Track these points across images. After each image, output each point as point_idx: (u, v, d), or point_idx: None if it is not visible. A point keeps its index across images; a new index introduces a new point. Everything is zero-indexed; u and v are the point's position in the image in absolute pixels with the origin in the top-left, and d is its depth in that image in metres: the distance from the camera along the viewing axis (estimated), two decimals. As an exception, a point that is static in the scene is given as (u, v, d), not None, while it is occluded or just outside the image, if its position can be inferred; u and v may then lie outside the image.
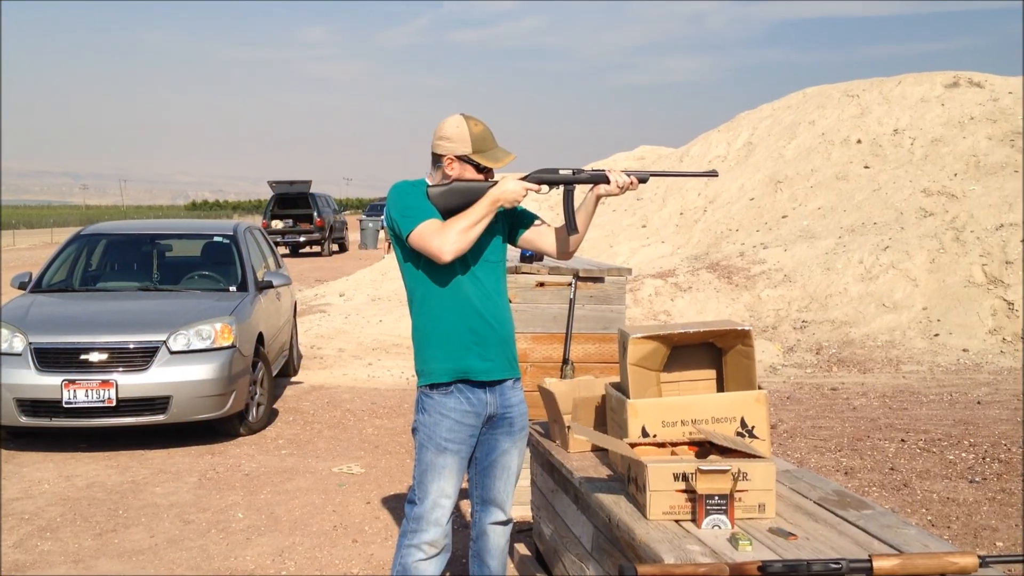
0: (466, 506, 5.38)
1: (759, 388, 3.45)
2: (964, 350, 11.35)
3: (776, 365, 11.12)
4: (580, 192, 3.54)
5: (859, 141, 18.52)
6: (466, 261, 3.43)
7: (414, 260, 3.46)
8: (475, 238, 3.38)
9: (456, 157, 3.47)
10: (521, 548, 4.76)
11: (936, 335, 11.82)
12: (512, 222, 3.65)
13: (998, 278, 12.56)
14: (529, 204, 4.09)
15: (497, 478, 3.66)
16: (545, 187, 3.55)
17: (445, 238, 3.32)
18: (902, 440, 7.50)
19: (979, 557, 2.44)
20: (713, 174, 3.82)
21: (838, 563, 2.43)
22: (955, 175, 16.10)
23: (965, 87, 19.41)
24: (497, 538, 3.72)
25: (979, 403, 8.91)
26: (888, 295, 12.91)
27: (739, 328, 3.48)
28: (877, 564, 2.43)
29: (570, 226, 3.55)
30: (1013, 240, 13.16)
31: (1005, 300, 12.08)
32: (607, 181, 3.50)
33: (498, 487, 3.67)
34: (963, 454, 7.06)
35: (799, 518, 2.98)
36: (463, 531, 5.16)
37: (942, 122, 18.11)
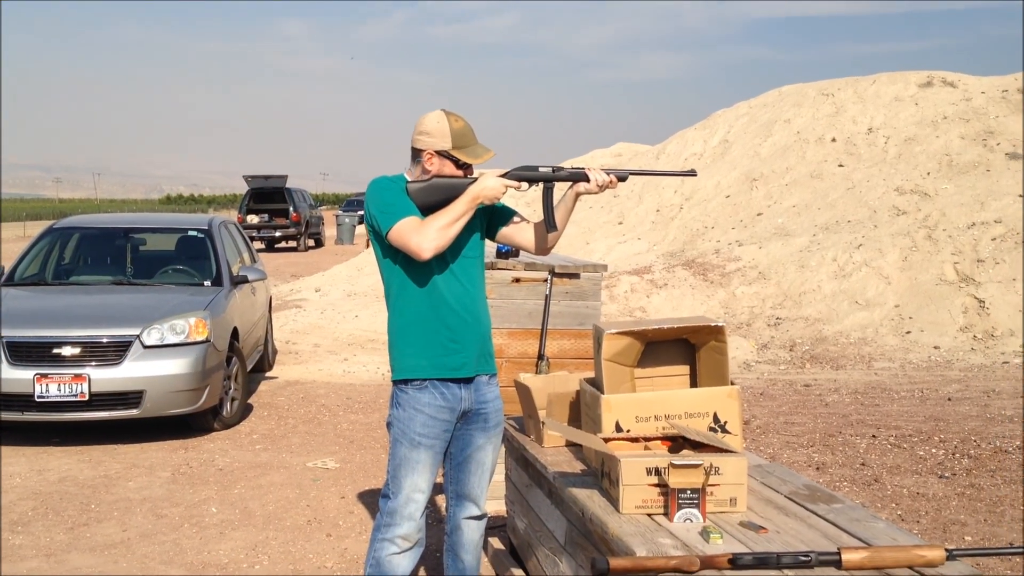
0: (441, 500, 5.40)
1: (732, 384, 3.48)
2: (935, 347, 11.47)
3: (750, 361, 11.19)
4: (559, 189, 3.55)
5: (834, 140, 18.64)
6: (444, 257, 3.44)
7: (392, 256, 3.47)
8: (455, 235, 3.39)
9: (436, 152, 3.47)
10: (495, 542, 4.78)
11: (908, 332, 11.93)
12: (490, 218, 3.66)
13: (969, 276, 12.69)
14: (507, 199, 4.17)
15: (472, 473, 3.67)
16: (525, 184, 3.57)
17: (424, 235, 3.32)
18: (873, 436, 7.57)
19: (946, 550, 2.48)
20: (692, 174, 3.82)
21: (807, 556, 2.47)
22: (928, 174, 16.24)
23: (939, 87, 19.57)
24: (471, 533, 3.73)
25: (950, 400, 9.00)
26: (861, 292, 13.02)
27: (712, 324, 3.50)
28: (846, 557, 2.47)
29: (549, 223, 3.57)
30: (984, 239, 13.30)
31: (976, 298, 12.21)
32: (586, 179, 3.52)
33: (472, 482, 3.68)
34: (933, 450, 7.14)
35: (770, 512, 3.01)
36: (438, 525, 5.17)
37: (915, 121, 18.26)
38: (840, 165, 17.67)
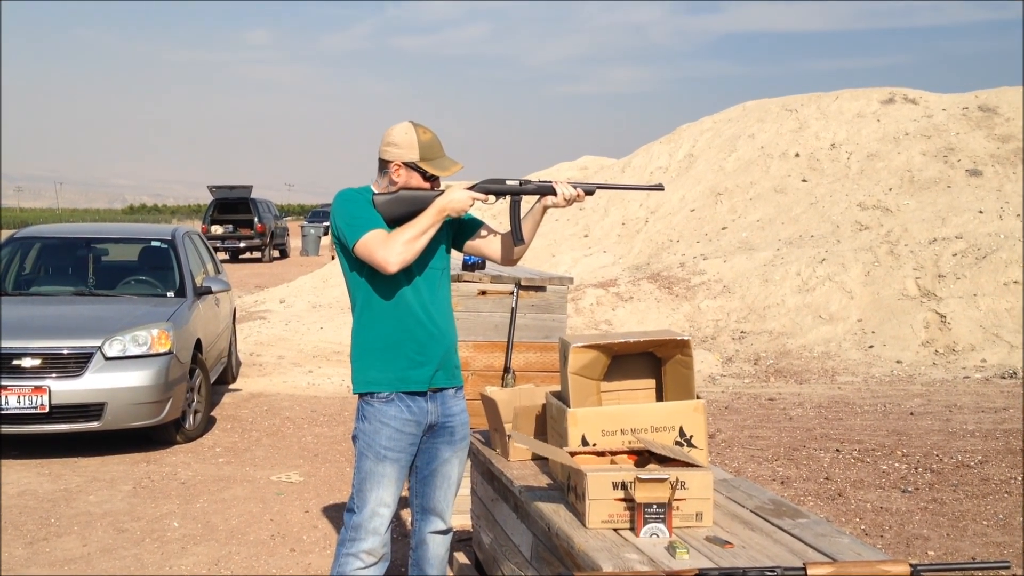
0: (407, 515, 5.36)
1: (697, 398, 3.48)
2: (898, 361, 11.57)
3: (715, 375, 11.23)
4: (527, 203, 3.55)
5: (797, 155, 18.80)
6: (410, 270, 3.43)
7: (358, 269, 3.45)
8: (421, 248, 3.37)
9: (403, 164, 3.46)
10: (460, 557, 4.75)
11: (871, 347, 12.03)
12: (457, 230, 3.65)
13: (931, 291, 12.83)
14: (474, 212, 4.19)
15: (437, 487, 3.65)
16: (492, 197, 3.56)
17: (391, 249, 3.31)
18: (837, 450, 7.62)
19: (911, 565, 2.49)
20: (659, 188, 3.84)
21: (773, 570, 2.47)
22: (890, 190, 16.42)
23: (900, 103, 19.81)
24: (437, 547, 3.71)
25: (912, 414, 9.08)
26: (824, 307, 13.12)
27: (678, 338, 3.51)
28: (811, 572, 2.47)
29: (516, 237, 3.55)
30: (945, 254, 13.46)
31: (937, 313, 12.34)
32: (554, 193, 3.51)
33: (438, 496, 3.66)
34: (896, 464, 7.19)
35: (735, 526, 3.02)
36: (403, 540, 5.14)
37: (878, 137, 18.46)
38: (803, 180, 17.82)
